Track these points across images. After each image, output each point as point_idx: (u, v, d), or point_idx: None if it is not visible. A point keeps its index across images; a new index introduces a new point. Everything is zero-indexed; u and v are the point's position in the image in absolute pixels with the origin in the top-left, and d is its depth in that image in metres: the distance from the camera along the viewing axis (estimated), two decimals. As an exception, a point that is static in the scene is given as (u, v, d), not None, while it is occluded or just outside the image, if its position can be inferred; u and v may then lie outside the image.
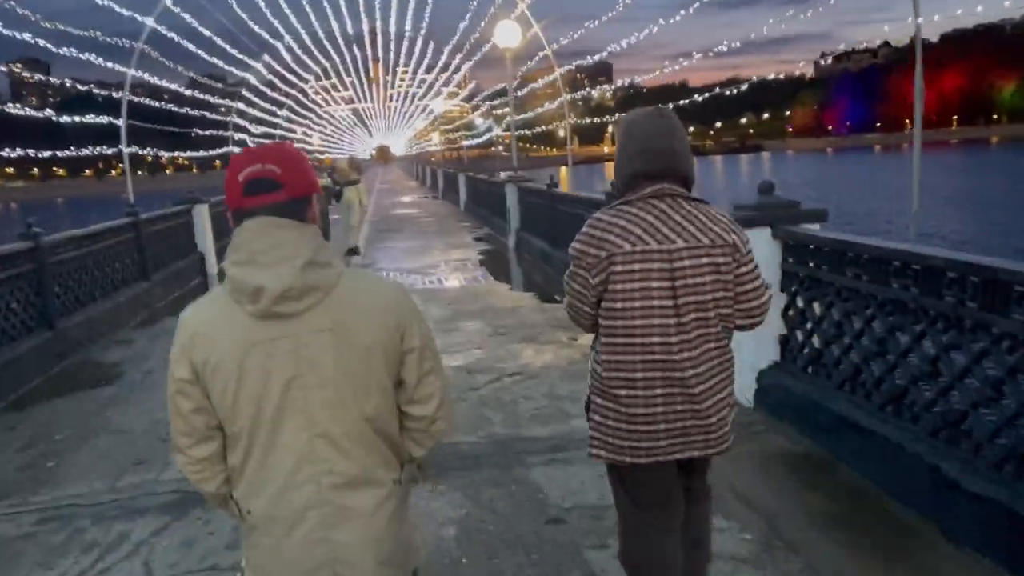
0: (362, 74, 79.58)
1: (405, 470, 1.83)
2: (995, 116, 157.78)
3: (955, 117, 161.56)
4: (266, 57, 26.40)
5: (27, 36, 17.21)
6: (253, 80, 26.62)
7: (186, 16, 23.30)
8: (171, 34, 23.00)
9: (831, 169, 79.40)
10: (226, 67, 24.79)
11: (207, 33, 25.16)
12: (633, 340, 2.27)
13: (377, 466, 1.73)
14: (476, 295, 9.95)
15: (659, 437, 2.30)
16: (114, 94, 24.78)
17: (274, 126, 36.21)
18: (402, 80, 77.60)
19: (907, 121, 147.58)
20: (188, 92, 25.12)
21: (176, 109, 24.61)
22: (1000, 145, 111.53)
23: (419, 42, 38.97)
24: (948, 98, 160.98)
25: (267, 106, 38.00)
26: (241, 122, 28.94)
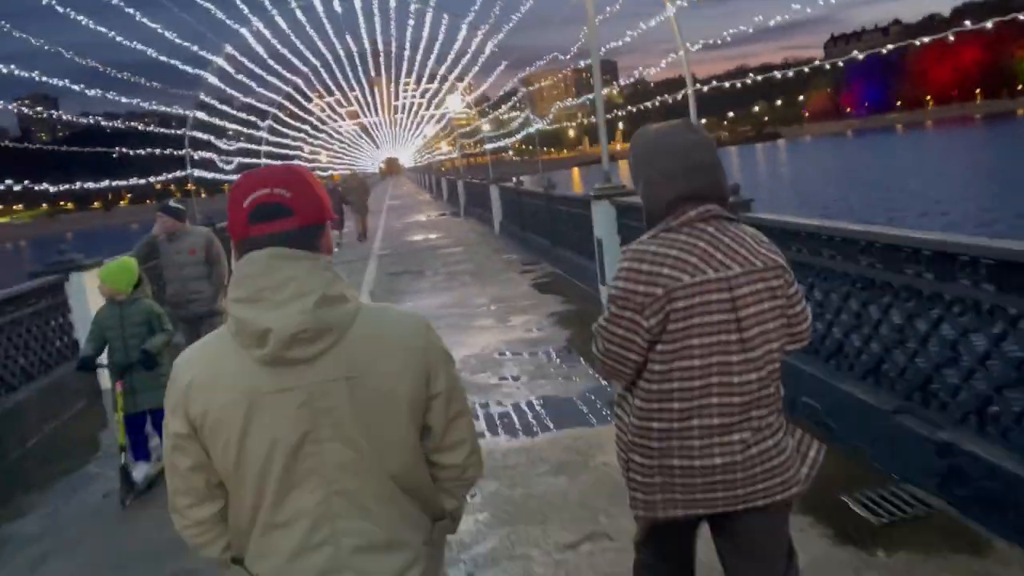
0: (365, 87, 74.53)
1: (436, 528, 1.61)
2: (1020, 87, 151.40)
3: (978, 91, 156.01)
4: (228, 48, 20.63)
5: (34, 73, 16.34)
6: (214, 79, 20.82)
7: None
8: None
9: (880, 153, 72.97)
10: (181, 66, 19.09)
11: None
12: (692, 384, 1.97)
13: (404, 527, 1.53)
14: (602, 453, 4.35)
15: (716, 487, 2.01)
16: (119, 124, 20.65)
17: (259, 141, 30.43)
18: (406, 89, 72.57)
19: (927, 98, 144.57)
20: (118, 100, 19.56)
21: (103, 123, 19.10)
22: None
23: (425, 36, 33.44)
24: (968, 71, 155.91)
25: (248, 117, 32.24)
26: (203, 136, 23.23)
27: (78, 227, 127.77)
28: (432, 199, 42.00)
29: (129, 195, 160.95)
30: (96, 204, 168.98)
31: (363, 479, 1.46)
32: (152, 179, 21.26)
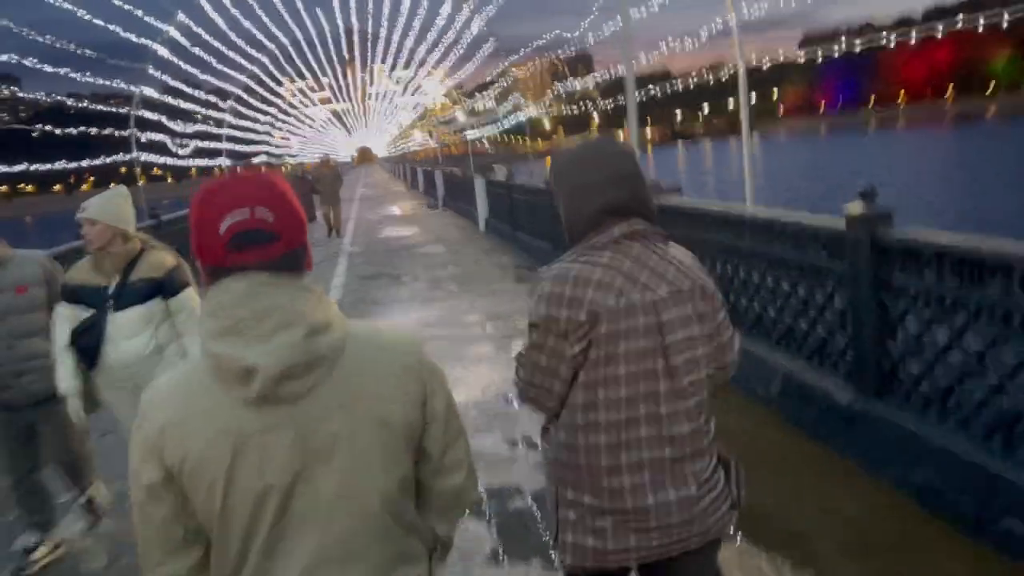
0: (338, 69, 72.22)
1: (434, 558, 1.49)
2: (991, 87, 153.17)
3: (951, 85, 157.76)
4: (181, 16, 18.62)
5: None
6: (164, 52, 18.85)
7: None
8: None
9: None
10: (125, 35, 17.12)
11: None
12: (619, 416, 1.82)
13: (402, 563, 1.40)
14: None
15: (651, 532, 1.83)
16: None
17: (220, 123, 28.34)
18: (381, 74, 70.62)
19: (900, 95, 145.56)
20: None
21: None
22: (996, 118, 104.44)
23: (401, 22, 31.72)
24: (941, 71, 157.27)
25: (207, 97, 30.14)
26: (152, 116, 21.29)
27: (39, 210, 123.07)
28: (407, 190, 40.13)
29: (92, 178, 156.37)
30: (57, 187, 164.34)
31: (358, 518, 1.33)
32: (87, 162, 19.39)
